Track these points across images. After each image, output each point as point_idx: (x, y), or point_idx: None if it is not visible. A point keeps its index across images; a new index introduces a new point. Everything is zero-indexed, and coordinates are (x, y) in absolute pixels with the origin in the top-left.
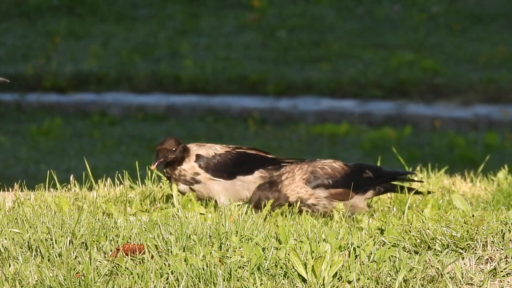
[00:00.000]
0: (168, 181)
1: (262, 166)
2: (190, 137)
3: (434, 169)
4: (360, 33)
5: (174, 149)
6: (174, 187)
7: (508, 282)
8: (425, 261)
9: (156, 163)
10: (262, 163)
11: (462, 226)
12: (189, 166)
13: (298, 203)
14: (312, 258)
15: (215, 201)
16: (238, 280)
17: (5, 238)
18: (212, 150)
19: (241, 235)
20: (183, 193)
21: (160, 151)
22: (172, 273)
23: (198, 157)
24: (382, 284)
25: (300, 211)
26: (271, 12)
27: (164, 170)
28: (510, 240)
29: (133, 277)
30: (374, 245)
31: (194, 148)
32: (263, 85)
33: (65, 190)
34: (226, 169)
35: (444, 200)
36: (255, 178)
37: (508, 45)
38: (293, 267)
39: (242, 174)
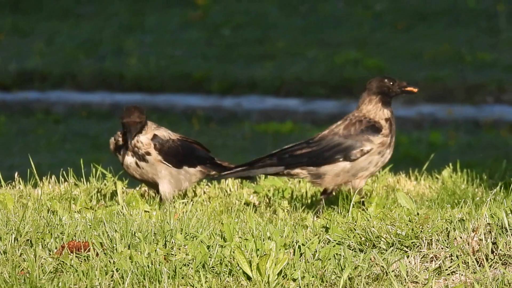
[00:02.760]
0: (114, 152)
1: (204, 162)
2: None
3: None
4: (304, 31)
5: (141, 121)
6: (119, 184)
7: (452, 280)
8: (370, 259)
9: (134, 139)
10: (204, 160)
11: (407, 225)
12: (146, 141)
13: None
14: (257, 256)
15: (159, 195)
16: (183, 278)
17: None
18: (167, 133)
19: (186, 233)
20: (127, 168)
21: (131, 125)
22: (117, 271)
23: (155, 137)
24: (327, 282)
25: None
26: (215, 9)
27: (120, 138)
28: (455, 239)
29: (78, 275)
30: (319, 243)
31: (153, 126)
32: (207, 83)
33: (10, 187)
34: (176, 155)
35: (389, 198)
36: (196, 172)
37: (452, 43)
38: (238, 265)
39: (187, 165)
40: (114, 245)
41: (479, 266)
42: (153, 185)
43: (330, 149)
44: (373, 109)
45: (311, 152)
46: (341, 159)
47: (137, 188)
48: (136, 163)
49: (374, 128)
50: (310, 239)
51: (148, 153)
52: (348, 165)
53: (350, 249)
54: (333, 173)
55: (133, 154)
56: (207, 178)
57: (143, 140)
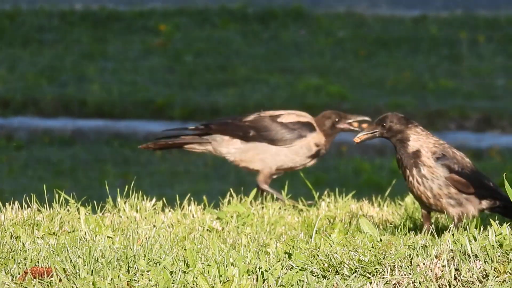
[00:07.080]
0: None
1: None
2: (97, 161)
3: (342, 194)
4: (266, 58)
5: None
6: (82, 210)
7: None
8: (333, 285)
9: None
10: None
11: (370, 251)
12: None
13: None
14: (220, 282)
15: None
16: None
17: None
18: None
19: (149, 259)
20: None
21: None
22: None
23: None
24: None
25: None
26: (178, 36)
27: None
28: (418, 265)
29: None
30: (282, 269)
31: None
32: (169, 109)
33: None
34: None
35: (352, 224)
36: None
37: (413, 70)
38: None
39: None
40: (77, 271)
41: None
42: None
43: None
44: None
45: None
46: None
47: (100, 214)
48: None
49: None
50: (273, 265)
51: None
52: None
53: (313, 275)
54: None
55: None
56: None
57: None
